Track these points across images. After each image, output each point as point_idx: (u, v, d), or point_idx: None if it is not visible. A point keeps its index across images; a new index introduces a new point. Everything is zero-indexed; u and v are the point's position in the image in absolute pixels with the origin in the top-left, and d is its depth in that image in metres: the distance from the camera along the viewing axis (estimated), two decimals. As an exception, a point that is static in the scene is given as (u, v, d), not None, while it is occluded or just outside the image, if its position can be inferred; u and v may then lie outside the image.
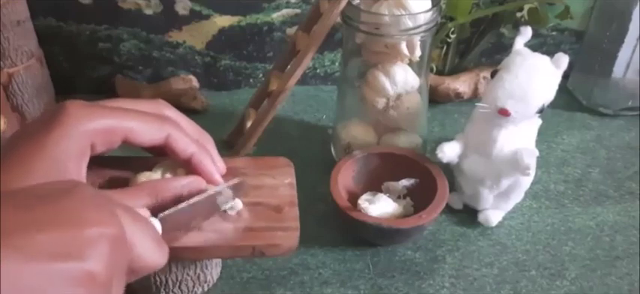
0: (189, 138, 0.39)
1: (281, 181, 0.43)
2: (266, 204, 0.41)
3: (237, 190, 0.40)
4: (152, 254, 0.31)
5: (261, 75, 0.72)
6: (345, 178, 0.52)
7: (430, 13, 0.49)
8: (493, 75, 0.48)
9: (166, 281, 0.44)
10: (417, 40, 0.50)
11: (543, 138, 0.59)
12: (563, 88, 0.54)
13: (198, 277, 0.45)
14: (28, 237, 0.24)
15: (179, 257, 0.39)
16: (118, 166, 0.41)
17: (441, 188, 0.50)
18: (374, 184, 0.52)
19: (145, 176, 0.40)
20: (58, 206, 0.26)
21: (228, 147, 0.60)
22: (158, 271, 0.43)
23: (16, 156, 0.31)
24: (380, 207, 0.48)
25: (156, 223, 0.34)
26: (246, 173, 0.43)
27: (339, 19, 0.51)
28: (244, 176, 0.43)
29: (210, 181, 0.40)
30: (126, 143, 0.36)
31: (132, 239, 0.29)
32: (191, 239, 0.38)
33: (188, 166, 0.39)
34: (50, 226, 0.25)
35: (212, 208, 0.39)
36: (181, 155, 0.39)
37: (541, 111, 0.47)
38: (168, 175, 0.40)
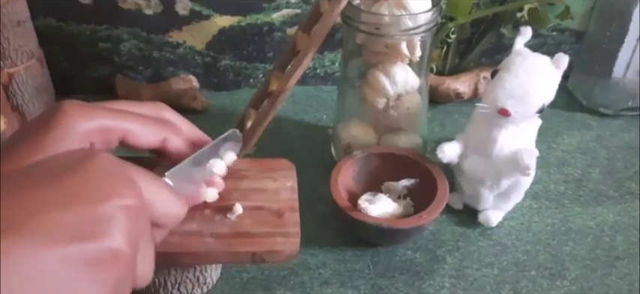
0: (187, 142, 0.39)
1: (283, 185, 0.43)
2: (267, 208, 0.40)
3: (233, 141, 0.41)
4: (173, 207, 0.32)
5: (261, 75, 0.72)
6: (345, 178, 0.52)
7: (430, 13, 0.49)
8: (493, 75, 0.48)
9: (165, 283, 0.44)
10: (417, 40, 0.50)
11: (543, 138, 0.59)
12: (563, 89, 0.54)
13: (198, 279, 0.45)
14: (45, 218, 0.24)
15: (178, 263, 0.39)
16: None
17: (441, 188, 0.50)
18: (374, 185, 0.52)
19: None
20: (72, 181, 0.26)
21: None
22: (157, 272, 0.43)
23: (14, 158, 0.31)
24: (380, 207, 0.48)
25: (168, 181, 0.35)
26: (248, 175, 0.43)
27: (339, 19, 0.51)
28: (245, 179, 0.43)
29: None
30: (123, 145, 0.36)
31: (152, 198, 0.30)
32: (190, 245, 0.38)
33: None
34: (66, 204, 0.25)
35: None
36: (178, 159, 0.39)
37: (541, 111, 0.47)
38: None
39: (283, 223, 0.40)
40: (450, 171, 0.54)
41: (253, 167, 0.44)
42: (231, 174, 0.42)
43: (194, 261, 0.39)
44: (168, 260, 0.37)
